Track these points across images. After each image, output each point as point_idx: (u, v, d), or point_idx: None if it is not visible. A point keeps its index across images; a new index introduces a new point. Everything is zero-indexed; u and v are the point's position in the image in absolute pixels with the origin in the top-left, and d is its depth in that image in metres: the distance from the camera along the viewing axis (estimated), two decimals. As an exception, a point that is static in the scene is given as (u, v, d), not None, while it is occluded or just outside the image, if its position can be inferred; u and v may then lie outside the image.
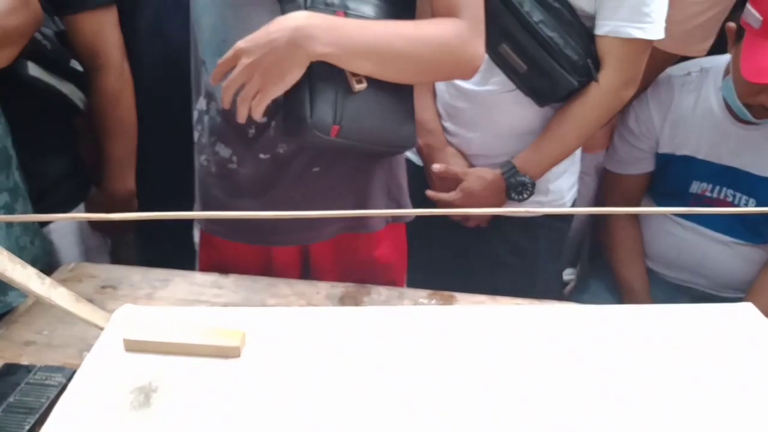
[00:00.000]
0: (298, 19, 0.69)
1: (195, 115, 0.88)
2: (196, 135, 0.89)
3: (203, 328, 0.61)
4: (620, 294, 1.34)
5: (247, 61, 0.68)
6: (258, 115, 0.71)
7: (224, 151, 0.85)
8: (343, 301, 0.80)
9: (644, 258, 1.32)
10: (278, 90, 0.70)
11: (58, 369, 0.63)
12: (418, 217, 0.99)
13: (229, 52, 0.70)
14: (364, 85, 0.73)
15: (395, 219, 0.92)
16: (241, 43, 0.69)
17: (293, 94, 0.72)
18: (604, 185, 1.37)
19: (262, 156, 0.82)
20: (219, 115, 0.83)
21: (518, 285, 1.05)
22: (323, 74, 0.71)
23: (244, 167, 0.84)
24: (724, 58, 1.16)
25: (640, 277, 1.31)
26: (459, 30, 0.75)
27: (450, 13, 0.75)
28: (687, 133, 1.21)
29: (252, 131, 0.81)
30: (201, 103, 0.86)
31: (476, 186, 1.10)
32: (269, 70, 0.68)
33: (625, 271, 1.32)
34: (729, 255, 1.23)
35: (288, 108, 0.74)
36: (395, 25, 0.74)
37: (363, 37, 0.71)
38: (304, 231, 0.87)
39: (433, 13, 0.77)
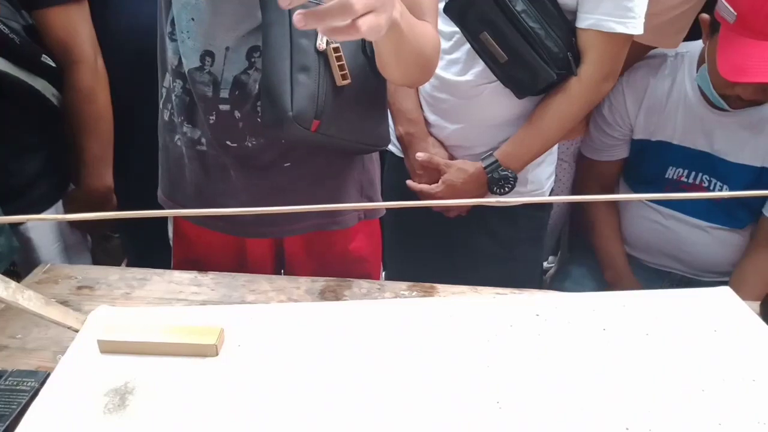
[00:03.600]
0: None
1: (162, 92, 0.86)
2: (166, 114, 0.86)
3: (180, 327, 0.60)
4: (602, 271, 1.36)
5: None
6: (361, 32, 0.54)
7: (192, 132, 0.83)
8: (323, 295, 0.80)
9: (621, 237, 1.34)
10: (383, 27, 0.56)
11: (31, 373, 0.61)
12: (399, 208, 0.98)
13: None
14: (348, 81, 0.73)
15: (368, 215, 0.91)
16: None
17: (275, 85, 0.71)
18: (581, 170, 1.39)
19: (229, 143, 0.81)
20: (185, 93, 0.81)
21: (499, 274, 1.05)
22: (305, 67, 0.70)
23: (214, 150, 0.82)
24: (699, 44, 1.16)
25: (621, 254, 1.34)
26: (437, 36, 0.76)
27: (418, 16, 0.74)
28: (662, 118, 1.22)
29: (213, 118, 0.79)
30: (167, 80, 0.84)
31: (458, 178, 1.10)
32: (372, 18, 0.54)
33: (606, 248, 1.34)
34: (707, 239, 1.25)
35: (268, 100, 0.72)
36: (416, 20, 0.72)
37: (412, 21, 0.68)
38: (276, 225, 0.87)
39: None
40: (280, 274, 0.92)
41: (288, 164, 0.82)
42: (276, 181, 0.83)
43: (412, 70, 0.75)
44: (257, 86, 0.76)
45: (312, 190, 0.84)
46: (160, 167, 0.92)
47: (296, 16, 0.51)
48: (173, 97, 0.83)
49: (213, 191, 0.85)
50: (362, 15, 0.53)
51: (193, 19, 0.76)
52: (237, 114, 0.78)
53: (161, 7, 0.81)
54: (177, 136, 0.85)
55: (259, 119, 0.77)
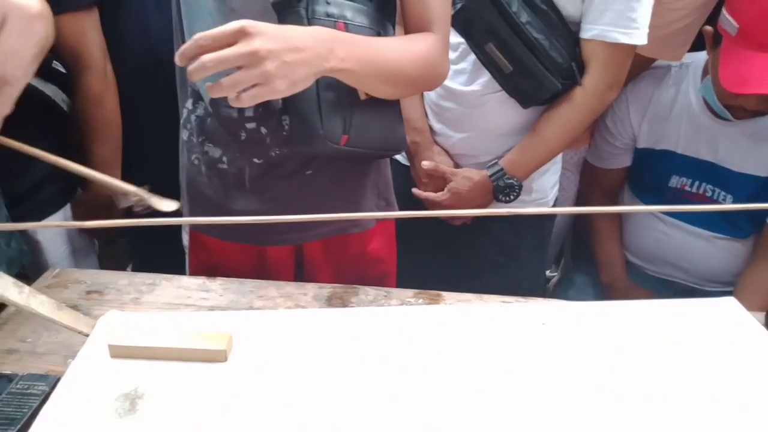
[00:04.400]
0: (321, 31, 0.65)
1: (183, 114, 0.87)
2: (185, 134, 0.88)
3: (189, 333, 0.60)
4: (598, 272, 1.37)
5: (260, 46, 0.58)
6: (243, 104, 0.61)
7: (213, 151, 0.84)
8: (330, 302, 0.80)
9: (621, 240, 1.37)
10: (283, 92, 0.62)
11: (42, 377, 0.61)
12: (405, 217, 0.99)
13: (231, 26, 0.59)
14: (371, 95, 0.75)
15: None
16: (247, 24, 0.59)
17: (302, 105, 0.72)
18: (585, 177, 1.40)
19: (255, 160, 0.82)
20: (207, 115, 0.83)
21: (503, 282, 1.05)
22: (330, 85, 0.72)
23: (236, 167, 0.84)
24: (703, 55, 1.17)
25: (618, 256, 1.36)
26: (437, 46, 0.76)
27: (425, 26, 0.76)
28: (666, 127, 1.22)
29: (243, 135, 0.81)
30: (188, 103, 0.85)
31: (463, 186, 1.11)
32: (286, 67, 0.60)
33: (604, 249, 1.37)
34: (709, 249, 1.25)
35: (297, 119, 0.74)
36: (392, 41, 0.75)
37: (372, 53, 0.70)
38: (297, 231, 0.87)
39: (408, 24, 0.78)
40: (300, 279, 0.92)
41: (310, 172, 0.84)
42: (297, 189, 0.84)
43: (394, 90, 0.76)
44: (280, 101, 0.77)
45: (332, 196, 0.85)
46: (180, 186, 0.93)
47: (209, 88, 0.60)
48: (193, 118, 0.84)
49: (233, 208, 0.85)
50: (246, 89, 0.60)
51: None
52: (263, 130, 0.80)
53: (176, 31, 0.83)
54: (194, 156, 0.87)
55: (284, 133, 0.79)
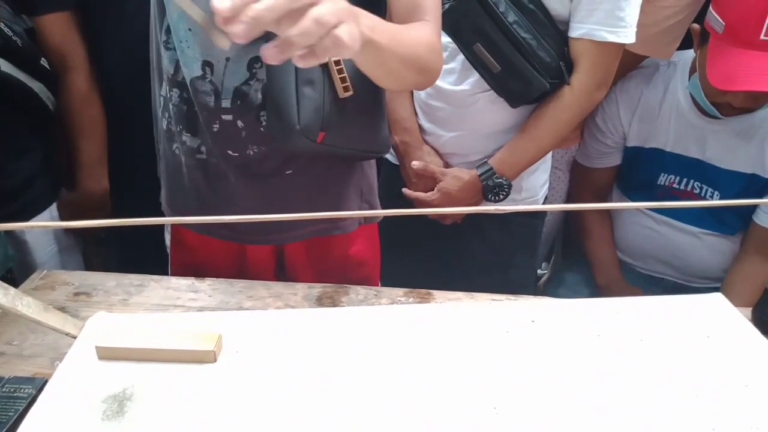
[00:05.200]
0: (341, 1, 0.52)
1: (160, 101, 0.86)
2: (164, 123, 0.86)
3: (178, 334, 0.60)
4: (594, 275, 1.37)
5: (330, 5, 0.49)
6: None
7: (192, 141, 0.83)
8: (320, 301, 0.80)
9: (614, 242, 1.37)
10: (351, 49, 0.52)
11: (28, 380, 0.61)
12: (395, 216, 0.99)
13: None
14: (350, 93, 0.74)
15: (368, 219, 0.92)
16: None
17: (280, 98, 0.72)
18: (575, 177, 1.40)
19: (230, 153, 0.81)
20: (184, 103, 0.81)
21: (494, 281, 1.05)
22: (310, 80, 0.71)
23: (215, 158, 0.83)
24: (691, 53, 1.18)
25: (612, 258, 1.36)
26: (434, 36, 0.74)
27: (415, 13, 0.73)
28: (655, 126, 1.23)
29: (216, 127, 0.80)
30: (164, 89, 0.84)
31: (453, 186, 1.11)
32: (353, 21, 0.51)
33: (597, 252, 1.36)
34: (698, 246, 1.26)
35: (275, 113, 0.73)
36: (400, 26, 0.71)
37: (392, 30, 0.65)
38: (277, 232, 0.87)
39: (395, 11, 0.74)
40: (281, 279, 0.92)
41: (290, 171, 0.82)
42: (278, 189, 0.83)
43: (408, 75, 0.72)
44: (259, 96, 0.76)
45: (314, 197, 0.84)
46: (160, 175, 0.92)
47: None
48: (170, 106, 0.83)
49: (214, 199, 0.85)
50: (337, 26, 0.49)
51: (190, 30, 0.76)
52: (240, 123, 0.79)
53: (154, 16, 0.82)
54: (175, 145, 0.85)
55: (262, 129, 0.78)
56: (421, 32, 0.72)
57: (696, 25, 1.11)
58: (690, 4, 1.14)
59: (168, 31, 0.79)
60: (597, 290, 1.36)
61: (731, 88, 1.02)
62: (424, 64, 0.72)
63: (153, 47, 0.85)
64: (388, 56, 0.64)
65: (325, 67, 0.72)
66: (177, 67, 0.79)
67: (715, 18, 1.03)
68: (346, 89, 0.73)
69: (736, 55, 1.00)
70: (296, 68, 0.70)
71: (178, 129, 0.83)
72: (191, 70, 0.77)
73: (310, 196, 0.84)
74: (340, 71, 0.72)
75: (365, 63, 0.65)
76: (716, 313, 0.66)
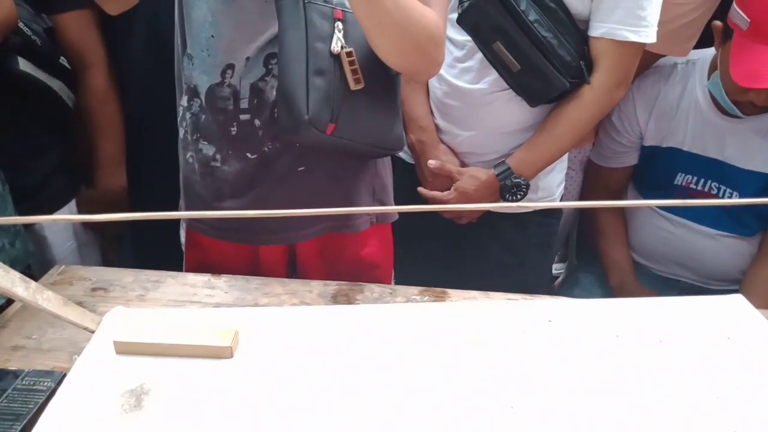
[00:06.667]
0: None
1: (179, 111, 0.87)
2: (181, 132, 0.88)
3: (195, 329, 0.60)
4: (607, 276, 1.36)
5: None
6: None
7: (207, 149, 0.84)
8: (335, 299, 0.80)
9: (628, 242, 1.35)
10: None
11: (47, 374, 0.62)
12: (411, 214, 0.98)
13: None
14: (361, 85, 0.73)
15: (380, 219, 0.92)
16: None
17: (291, 89, 0.71)
18: (589, 176, 1.39)
19: (249, 155, 0.82)
20: (201, 112, 0.82)
21: (509, 280, 1.05)
22: (320, 70, 0.71)
23: (228, 165, 0.83)
24: (710, 51, 1.16)
25: (626, 259, 1.34)
26: (440, 22, 0.73)
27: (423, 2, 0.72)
28: (673, 125, 1.22)
29: (234, 130, 0.80)
30: (183, 100, 0.85)
31: (470, 186, 1.10)
32: None
33: (611, 253, 1.35)
34: (716, 247, 1.24)
35: (285, 104, 0.73)
36: None
37: None
38: (289, 230, 0.87)
39: None
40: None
41: (302, 168, 0.83)
42: (289, 187, 0.83)
43: (404, 48, 0.71)
44: (274, 92, 0.77)
45: (325, 194, 0.84)
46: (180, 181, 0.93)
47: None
48: (188, 116, 0.84)
49: (223, 207, 0.85)
50: None
51: (213, 36, 0.77)
52: (257, 122, 0.79)
53: (176, 29, 0.83)
54: (189, 154, 0.87)
55: (276, 124, 0.78)
56: (428, 12, 0.71)
57: (718, 22, 1.09)
58: (706, 1, 1.13)
59: (186, 41, 0.80)
60: (610, 291, 1.35)
61: (755, 86, 1.00)
62: (420, 38, 0.71)
63: (175, 60, 0.86)
64: (380, 12, 0.65)
65: (337, 58, 0.72)
66: (196, 77, 0.80)
67: (739, 14, 1.01)
68: (357, 81, 0.73)
69: (760, 52, 0.98)
70: (308, 59, 0.70)
71: (194, 138, 0.84)
72: (211, 77, 0.78)
73: (320, 193, 0.84)
74: (351, 63, 0.72)
75: (363, 12, 0.66)
76: (736, 315, 0.65)
